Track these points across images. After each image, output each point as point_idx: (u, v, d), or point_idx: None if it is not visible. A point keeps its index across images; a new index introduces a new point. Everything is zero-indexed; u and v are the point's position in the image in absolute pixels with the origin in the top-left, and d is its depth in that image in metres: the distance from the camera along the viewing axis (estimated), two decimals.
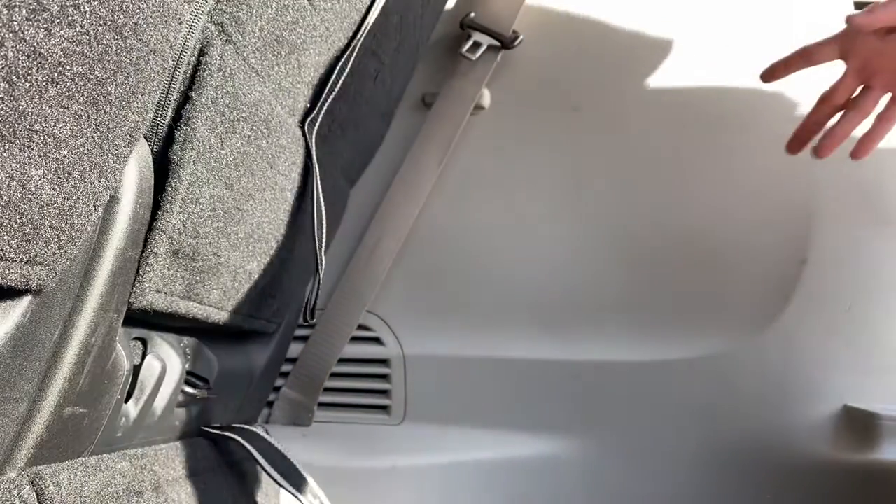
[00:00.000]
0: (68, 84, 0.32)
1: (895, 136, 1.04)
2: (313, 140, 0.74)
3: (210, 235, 0.56)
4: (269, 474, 0.68)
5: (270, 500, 0.80)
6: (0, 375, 0.36)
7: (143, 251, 0.50)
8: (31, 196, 0.32)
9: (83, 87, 0.33)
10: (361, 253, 1.08)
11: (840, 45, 0.79)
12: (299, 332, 1.05)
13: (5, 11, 0.28)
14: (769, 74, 0.84)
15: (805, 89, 1.04)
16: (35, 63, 0.30)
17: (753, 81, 0.89)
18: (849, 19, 0.74)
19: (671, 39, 1.07)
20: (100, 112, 0.35)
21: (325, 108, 0.74)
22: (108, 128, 0.37)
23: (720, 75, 1.06)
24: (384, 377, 1.11)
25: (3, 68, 0.29)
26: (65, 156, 0.34)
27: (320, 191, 0.73)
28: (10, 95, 0.29)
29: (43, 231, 0.34)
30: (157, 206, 0.51)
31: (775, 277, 1.06)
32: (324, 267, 0.71)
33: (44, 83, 0.31)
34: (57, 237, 0.36)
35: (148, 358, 0.56)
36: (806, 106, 1.04)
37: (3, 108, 0.29)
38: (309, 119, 0.73)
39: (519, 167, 1.10)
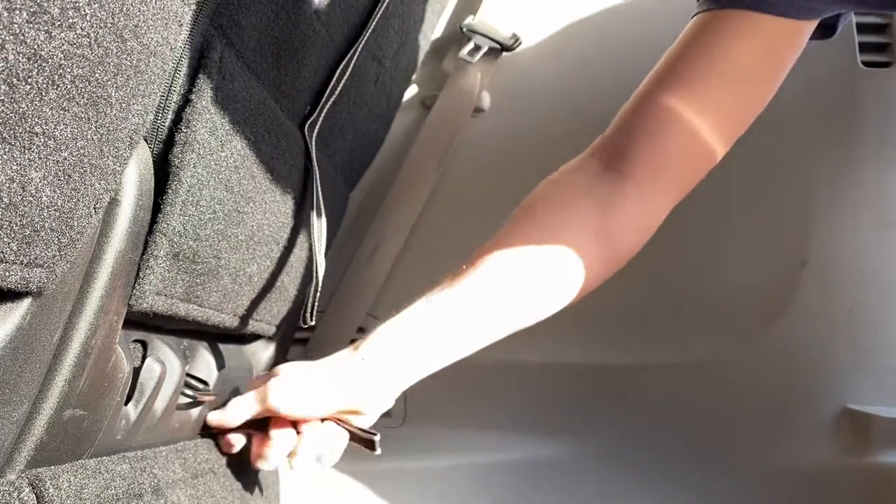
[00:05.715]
0: (69, 86, 0.32)
1: None
2: (313, 143, 0.74)
3: (210, 238, 0.56)
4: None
5: (271, 502, 0.80)
6: (0, 378, 0.36)
7: (143, 253, 0.50)
8: (31, 198, 0.32)
9: (83, 90, 0.33)
10: (361, 255, 1.08)
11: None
12: (299, 335, 1.05)
13: (6, 14, 0.28)
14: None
15: (806, 89, 1.05)
16: (35, 65, 0.30)
17: None
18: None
19: (672, 42, 1.07)
20: (100, 114, 0.35)
21: (325, 110, 0.74)
22: (109, 130, 0.37)
23: None
24: None
25: (3, 70, 0.29)
26: (65, 158, 0.34)
27: (320, 193, 0.73)
28: (11, 98, 0.29)
29: (43, 233, 0.34)
30: (157, 209, 0.51)
31: (775, 279, 1.06)
32: (323, 269, 0.71)
33: (44, 85, 0.31)
34: (57, 239, 0.36)
35: (148, 360, 0.56)
36: (806, 107, 1.05)
37: (3, 111, 0.29)
38: (309, 122, 0.73)
39: (519, 170, 1.10)
